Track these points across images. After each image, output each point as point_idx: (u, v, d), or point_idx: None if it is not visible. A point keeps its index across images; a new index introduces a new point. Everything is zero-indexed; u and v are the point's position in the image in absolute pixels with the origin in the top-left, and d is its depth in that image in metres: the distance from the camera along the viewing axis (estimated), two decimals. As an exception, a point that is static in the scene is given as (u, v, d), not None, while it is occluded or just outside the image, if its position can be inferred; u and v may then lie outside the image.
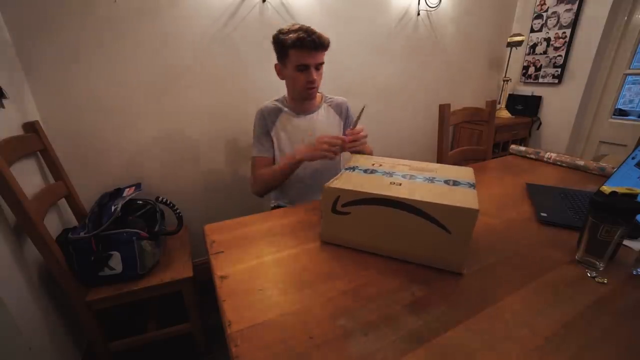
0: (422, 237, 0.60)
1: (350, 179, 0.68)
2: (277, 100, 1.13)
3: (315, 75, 1.00)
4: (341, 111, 1.18)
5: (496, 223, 0.79)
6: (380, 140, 2.04)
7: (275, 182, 1.06)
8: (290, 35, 0.94)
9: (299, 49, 0.95)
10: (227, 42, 1.41)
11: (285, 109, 1.11)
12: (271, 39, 1.01)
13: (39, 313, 0.95)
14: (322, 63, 1.02)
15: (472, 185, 0.64)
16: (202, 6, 1.32)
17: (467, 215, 0.55)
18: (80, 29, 1.15)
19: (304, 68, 0.99)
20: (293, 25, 0.98)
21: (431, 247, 0.60)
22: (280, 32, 0.99)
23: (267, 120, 1.10)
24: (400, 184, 0.64)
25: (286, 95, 1.14)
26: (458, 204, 0.56)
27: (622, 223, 0.56)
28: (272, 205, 1.23)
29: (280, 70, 1.07)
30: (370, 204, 0.62)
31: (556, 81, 2.20)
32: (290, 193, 1.16)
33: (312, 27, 0.98)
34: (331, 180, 0.67)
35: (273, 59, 1.53)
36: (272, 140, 1.11)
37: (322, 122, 1.14)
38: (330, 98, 1.19)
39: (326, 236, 0.70)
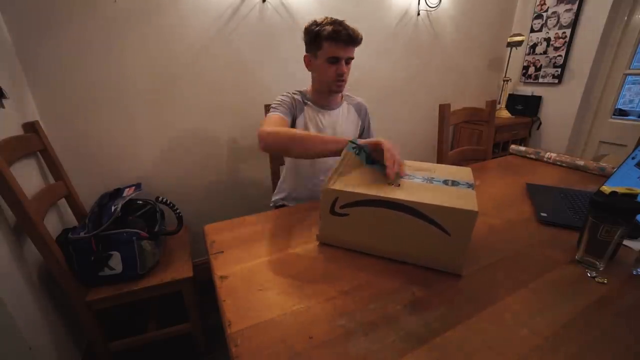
0: (421, 239, 0.60)
1: (349, 179, 0.67)
2: (298, 93, 1.11)
3: (344, 68, 1.00)
4: (360, 111, 1.18)
5: (496, 223, 0.79)
6: (380, 140, 2.04)
7: (297, 147, 0.82)
8: (326, 27, 0.95)
9: (333, 41, 0.95)
10: (227, 42, 1.41)
11: (309, 103, 1.10)
12: (303, 29, 1.01)
13: (39, 313, 0.95)
14: (352, 58, 1.02)
15: (470, 186, 0.64)
16: (202, 6, 1.32)
17: (466, 217, 0.55)
18: (81, 29, 1.15)
19: (335, 61, 0.99)
20: (326, 18, 0.98)
21: (430, 249, 0.60)
22: (314, 23, 0.98)
23: (296, 106, 1.08)
24: (399, 185, 0.64)
25: (308, 88, 1.13)
26: (457, 206, 0.55)
27: (622, 223, 0.56)
28: (272, 204, 1.23)
29: (309, 62, 1.06)
30: (369, 205, 0.61)
31: (556, 81, 2.20)
32: (301, 191, 1.16)
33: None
34: (329, 180, 0.66)
35: (274, 59, 1.55)
36: (292, 122, 1.07)
37: (343, 120, 1.14)
38: (349, 96, 1.19)
39: (323, 237, 0.70)
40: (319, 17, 0.99)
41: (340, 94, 1.13)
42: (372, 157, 0.71)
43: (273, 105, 1.05)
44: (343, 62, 0.99)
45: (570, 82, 2.15)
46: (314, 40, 0.99)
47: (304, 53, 1.06)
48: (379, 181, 0.66)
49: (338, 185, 0.64)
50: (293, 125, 1.09)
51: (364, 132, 1.21)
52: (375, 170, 0.69)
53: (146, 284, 1.03)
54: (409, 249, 0.62)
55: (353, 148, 0.70)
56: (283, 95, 1.09)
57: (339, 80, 1.02)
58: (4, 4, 1.02)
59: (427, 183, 0.65)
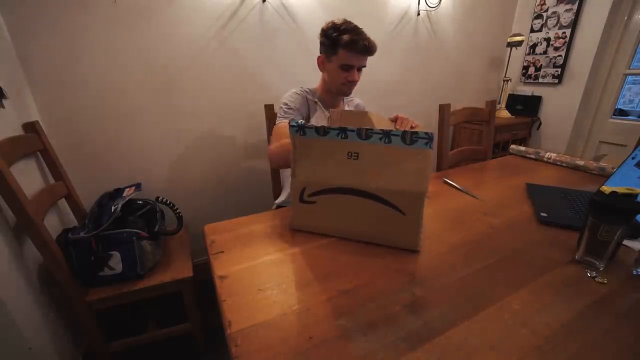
0: (381, 220, 0.65)
1: (311, 164, 0.68)
2: (309, 92, 1.13)
3: (356, 76, 1.04)
4: None
5: (496, 223, 0.79)
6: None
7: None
8: (344, 35, 0.96)
9: (349, 50, 0.98)
10: (227, 42, 1.41)
11: (318, 102, 1.12)
12: (320, 31, 1.02)
13: (39, 313, 0.95)
14: (364, 66, 1.05)
15: (429, 140, 0.60)
16: (202, 6, 1.32)
17: (416, 197, 0.61)
18: (81, 29, 1.15)
19: (348, 68, 1.02)
20: (344, 22, 0.99)
21: (390, 229, 0.66)
22: (332, 27, 0.99)
23: (309, 105, 1.10)
24: (357, 155, 0.64)
25: (315, 88, 1.15)
26: (407, 188, 0.61)
27: (622, 223, 0.56)
28: (275, 207, 1.22)
29: (322, 63, 1.08)
30: (333, 193, 0.68)
31: (556, 81, 2.20)
32: None
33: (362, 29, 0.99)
34: (293, 170, 0.69)
35: (274, 59, 1.55)
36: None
37: None
38: (349, 98, 1.21)
39: (295, 224, 0.74)
40: (338, 20, 0.99)
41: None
42: (322, 128, 0.67)
43: (283, 108, 1.06)
44: (355, 70, 1.02)
45: (570, 82, 2.15)
46: (330, 45, 1.00)
47: (319, 54, 1.07)
48: (337, 149, 0.66)
49: (304, 176, 0.69)
50: (299, 115, 1.08)
51: None
52: (330, 140, 0.66)
53: (146, 284, 1.03)
54: (371, 230, 0.67)
55: (296, 131, 0.68)
56: (294, 94, 1.09)
57: (349, 85, 1.05)
58: (3, 3, 1.02)
59: (385, 145, 0.63)
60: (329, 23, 1.00)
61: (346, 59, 0.99)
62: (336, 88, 1.08)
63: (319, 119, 1.10)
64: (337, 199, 0.67)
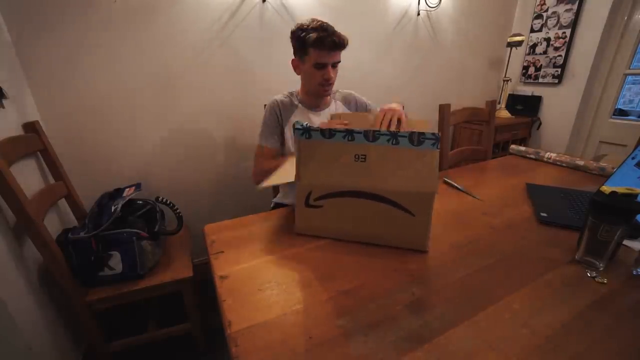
0: (390, 222, 0.65)
1: (316, 167, 0.67)
2: (289, 95, 1.13)
3: (332, 73, 1.02)
4: (349, 103, 1.19)
5: (496, 223, 0.79)
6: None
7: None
8: (311, 34, 0.95)
9: (318, 48, 0.97)
10: (227, 42, 1.41)
11: (300, 105, 1.12)
12: (289, 34, 1.02)
13: (39, 313, 0.95)
14: (339, 62, 1.03)
15: (435, 141, 0.60)
16: (202, 6, 1.32)
17: (425, 198, 0.61)
18: (81, 29, 1.15)
19: (321, 66, 1.00)
20: (312, 21, 0.98)
21: (399, 230, 0.65)
22: (300, 27, 0.99)
23: (282, 114, 1.10)
24: (364, 157, 0.64)
25: (298, 90, 1.14)
26: (416, 189, 0.61)
27: (622, 223, 0.56)
28: (273, 205, 1.23)
29: (297, 66, 1.07)
30: (340, 196, 0.66)
31: (556, 81, 2.20)
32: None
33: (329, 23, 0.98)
34: (298, 174, 0.68)
35: (274, 59, 1.55)
36: (281, 134, 1.11)
37: None
38: (336, 92, 1.19)
39: (301, 228, 0.73)
40: (306, 20, 0.99)
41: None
42: (327, 130, 0.66)
43: (261, 132, 1.09)
44: (329, 67, 1.01)
45: (570, 82, 2.15)
46: (300, 45, 1.00)
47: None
48: (344, 157, 0.65)
49: (309, 179, 0.67)
50: (278, 129, 1.10)
51: None
52: (336, 143, 0.65)
53: (146, 284, 1.03)
54: (379, 231, 0.67)
55: (302, 134, 0.67)
56: (269, 109, 1.10)
57: (326, 84, 1.04)
58: (4, 4, 1.02)
59: (392, 146, 0.62)
60: (297, 25, 1.00)
61: (317, 57, 0.98)
62: (315, 89, 1.06)
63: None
64: (344, 202, 0.66)
